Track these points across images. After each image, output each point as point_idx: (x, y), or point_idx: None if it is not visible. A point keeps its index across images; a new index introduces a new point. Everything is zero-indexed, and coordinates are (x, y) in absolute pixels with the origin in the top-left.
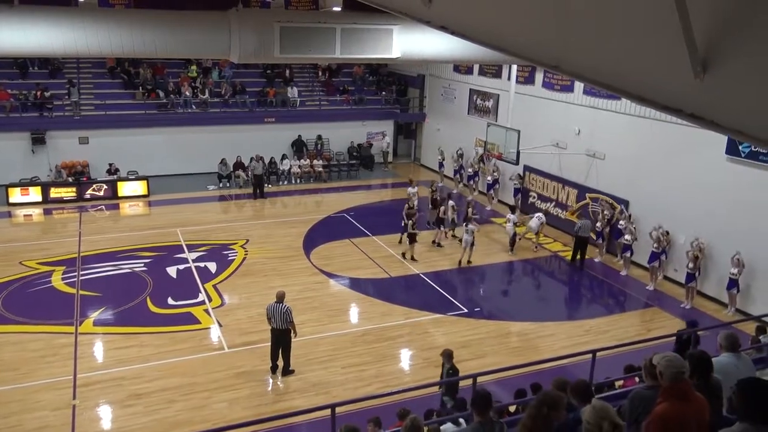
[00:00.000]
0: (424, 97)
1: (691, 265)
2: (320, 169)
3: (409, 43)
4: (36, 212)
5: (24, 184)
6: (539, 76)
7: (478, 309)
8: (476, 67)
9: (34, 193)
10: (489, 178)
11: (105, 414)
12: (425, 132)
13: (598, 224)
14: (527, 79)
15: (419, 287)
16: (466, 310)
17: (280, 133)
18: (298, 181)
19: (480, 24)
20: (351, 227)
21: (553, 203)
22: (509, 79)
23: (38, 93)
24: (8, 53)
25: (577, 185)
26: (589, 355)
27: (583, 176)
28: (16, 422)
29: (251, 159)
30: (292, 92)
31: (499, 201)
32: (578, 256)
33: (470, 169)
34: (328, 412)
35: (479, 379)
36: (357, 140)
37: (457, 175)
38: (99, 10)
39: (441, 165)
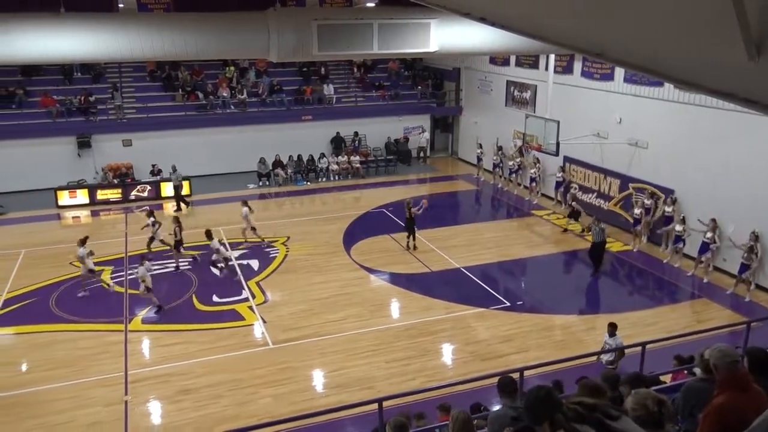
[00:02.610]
0: (460, 91)
1: (745, 255)
2: (358, 165)
3: (446, 36)
4: (84, 214)
5: (71, 186)
6: (578, 66)
7: (521, 302)
8: (513, 59)
9: (82, 196)
10: (532, 171)
11: (155, 409)
12: (462, 125)
13: (636, 211)
14: (565, 69)
15: (460, 281)
16: (508, 304)
17: (317, 130)
18: (337, 177)
19: (521, 13)
20: (390, 222)
21: (595, 194)
22: (547, 69)
23: (83, 98)
24: (55, 60)
25: (619, 175)
26: (637, 348)
27: (626, 166)
28: (70, 418)
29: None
30: (328, 89)
31: (543, 194)
32: (598, 264)
33: (511, 163)
34: (374, 406)
35: (526, 374)
36: (394, 135)
37: (497, 169)
38: (141, 15)
39: (479, 159)
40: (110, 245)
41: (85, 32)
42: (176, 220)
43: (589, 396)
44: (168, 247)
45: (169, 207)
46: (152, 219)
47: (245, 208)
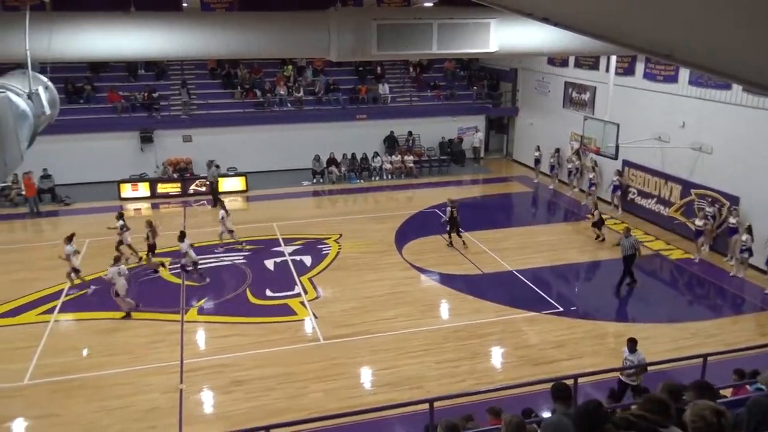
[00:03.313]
0: (516, 91)
1: None
2: (411, 164)
3: (506, 36)
4: (144, 206)
5: (134, 180)
6: (640, 67)
7: (574, 308)
8: (572, 59)
9: (143, 189)
10: (591, 175)
11: (209, 399)
12: (518, 126)
13: (698, 221)
14: (627, 70)
15: (512, 284)
16: (561, 309)
17: (371, 129)
18: (390, 176)
19: (586, 13)
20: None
21: (655, 199)
22: (608, 70)
23: (146, 94)
24: (125, 57)
25: (681, 180)
26: (698, 360)
27: (688, 171)
28: (130, 403)
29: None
30: (384, 89)
31: (598, 198)
32: (624, 277)
33: (569, 165)
34: (424, 406)
35: (580, 380)
36: (448, 136)
37: (554, 172)
38: (205, 14)
39: (537, 162)
40: (169, 237)
41: (153, 31)
42: (149, 224)
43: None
44: (231, 241)
45: (226, 202)
46: (121, 222)
47: (222, 211)
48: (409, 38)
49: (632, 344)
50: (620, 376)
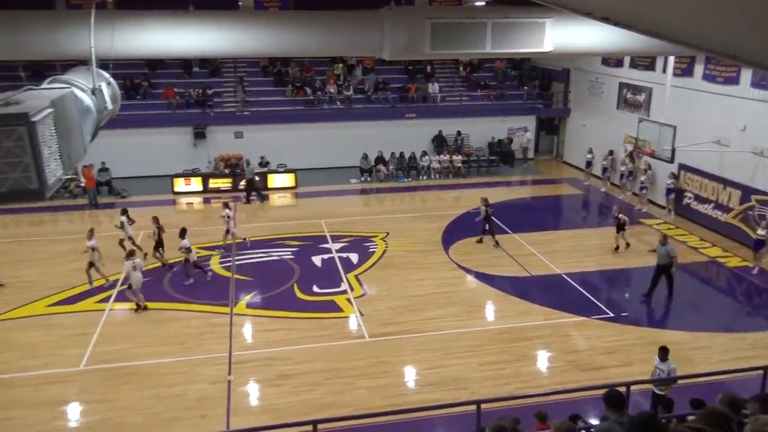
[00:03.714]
0: (568, 92)
1: None
2: (459, 164)
3: (561, 36)
4: (196, 201)
5: (186, 174)
6: (699, 68)
7: (626, 314)
8: (627, 59)
9: (195, 183)
10: (643, 178)
11: (256, 391)
12: (569, 127)
13: (761, 231)
14: (685, 71)
15: (561, 287)
16: (611, 315)
17: (420, 128)
18: (438, 176)
19: (649, 13)
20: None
21: (712, 205)
22: (665, 71)
23: (201, 91)
24: (182, 54)
25: (741, 186)
26: (757, 372)
27: (749, 176)
28: (182, 391)
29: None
30: (433, 88)
31: (650, 201)
32: (653, 287)
33: (622, 168)
34: (467, 407)
35: (632, 388)
36: (497, 136)
37: (606, 174)
38: (261, 13)
39: (589, 164)
40: (220, 231)
41: (211, 29)
42: (156, 220)
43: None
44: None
45: (275, 198)
46: (124, 218)
47: (227, 210)
48: (462, 37)
49: (663, 353)
50: (653, 387)
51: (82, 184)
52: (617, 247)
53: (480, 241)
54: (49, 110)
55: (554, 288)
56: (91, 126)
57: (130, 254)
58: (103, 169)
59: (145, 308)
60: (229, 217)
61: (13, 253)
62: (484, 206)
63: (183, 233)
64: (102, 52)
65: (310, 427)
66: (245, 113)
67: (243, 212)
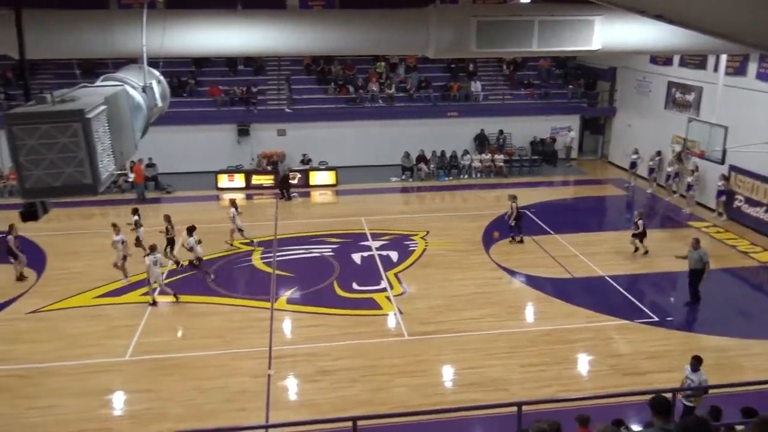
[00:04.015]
0: (614, 91)
1: None
2: (501, 164)
3: (610, 33)
4: (239, 197)
5: (230, 171)
6: (752, 67)
7: (670, 318)
8: (676, 58)
9: (239, 180)
10: (689, 179)
11: (296, 386)
12: (614, 127)
13: None
14: (738, 70)
15: (604, 290)
16: (656, 319)
17: (462, 127)
18: (479, 175)
19: (704, 11)
20: (532, 224)
21: (765, 208)
22: (716, 70)
23: (245, 89)
24: (230, 53)
25: None
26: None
27: None
28: (222, 384)
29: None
30: (476, 86)
31: (698, 203)
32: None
33: (669, 169)
34: (507, 409)
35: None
36: (540, 135)
37: (653, 175)
38: (307, 12)
39: (633, 165)
40: (261, 227)
41: (258, 28)
42: (167, 218)
43: None
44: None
45: (316, 195)
46: (136, 217)
47: (233, 209)
48: (508, 35)
49: (696, 362)
50: (681, 398)
51: (131, 179)
52: (636, 249)
53: (521, 241)
54: (103, 107)
55: (597, 290)
56: (141, 123)
57: (152, 249)
58: (150, 165)
59: (177, 299)
60: (235, 215)
61: (62, 245)
62: (513, 204)
63: (191, 231)
64: (153, 50)
65: (348, 424)
66: (289, 111)
67: (281, 209)
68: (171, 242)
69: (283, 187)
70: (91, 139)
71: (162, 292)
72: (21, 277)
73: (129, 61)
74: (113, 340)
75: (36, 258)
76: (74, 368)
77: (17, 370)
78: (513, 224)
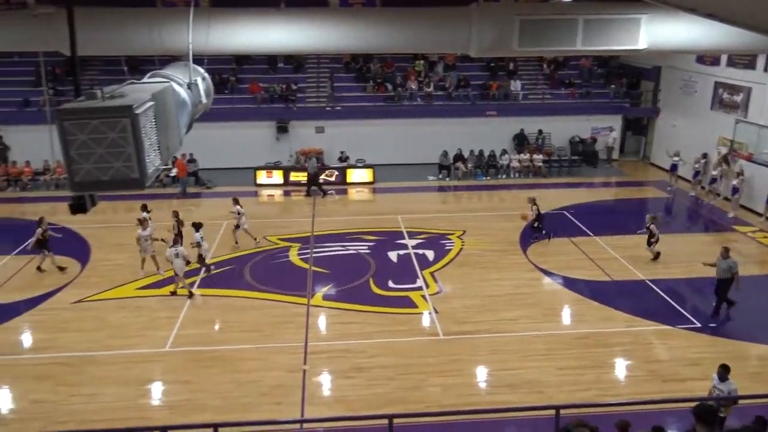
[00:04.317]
0: (658, 91)
1: None
2: (540, 164)
3: (657, 33)
4: (277, 193)
5: (269, 167)
6: None
7: (713, 325)
8: (724, 58)
9: (277, 176)
10: (735, 182)
11: (331, 382)
12: (657, 128)
13: None
14: None
15: (644, 294)
16: (698, 325)
17: (500, 126)
18: (517, 175)
19: (759, 9)
20: (571, 225)
21: None
22: (766, 70)
23: (285, 86)
24: (272, 51)
25: None
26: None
27: None
28: (259, 377)
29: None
30: (515, 85)
31: (742, 206)
32: (719, 304)
33: (714, 172)
34: (544, 412)
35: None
36: (580, 135)
37: (697, 178)
38: (349, 10)
39: (674, 167)
40: (299, 224)
41: (301, 26)
42: (175, 214)
43: None
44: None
45: (353, 192)
46: (145, 214)
47: (237, 207)
48: (552, 34)
49: (724, 371)
50: None
51: (173, 174)
52: (657, 255)
53: (549, 238)
54: (151, 103)
55: (637, 294)
56: (186, 119)
57: (174, 242)
58: (191, 160)
59: (191, 296)
60: (239, 213)
61: (106, 237)
62: (533, 206)
63: (198, 227)
64: (198, 48)
65: (383, 421)
66: (328, 108)
67: (305, 205)
68: (178, 238)
69: (311, 185)
70: (138, 134)
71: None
72: (41, 269)
73: (173, 58)
74: (154, 331)
75: (81, 249)
76: (116, 358)
77: (61, 358)
78: (535, 226)
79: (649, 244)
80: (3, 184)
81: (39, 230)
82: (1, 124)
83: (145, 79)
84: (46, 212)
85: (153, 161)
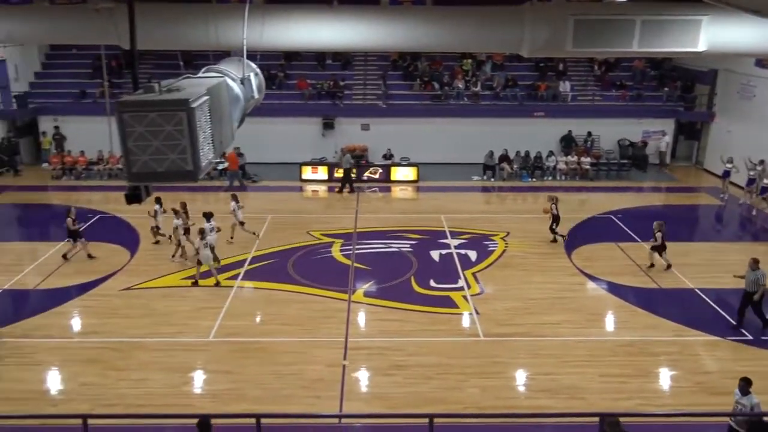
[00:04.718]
0: (714, 94)
1: None
2: (587, 166)
3: (718, 34)
4: (322, 189)
5: (314, 163)
6: None
7: (766, 338)
8: None
9: (322, 172)
10: None
11: (370, 378)
12: (712, 133)
13: None
14: None
15: (693, 303)
16: (750, 337)
17: (548, 127)
18: (563, 177)
19: None
20: (618, 230)
21: None
22: None
23: (332, 83)
24: (322, 48)
25: None
26: None
27: None
28: (299, 371)
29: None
30: (565, 86)
31: None
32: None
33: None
34: (585, 419)
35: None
36: (630, 138)
37: (752, 185)
38: (400, 8)
39: (727, 173)
40: (342, 220)
41: (352, 23)
42: (183, 206)
43: None
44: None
45: (397, 190)
46: (158, 206)
47: (234, 203)
48: (607, 35)
49: (745, 384)
50: (730, 422)
51: (222, 167)
52: (652, 265)
53: (564, 237)
54: (206, 98)
55: (685, 303)
56: (239, 113)
57: (201, 232)
58: (239, 154)
59: (218, 283)
60: (235, 209)
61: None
62: (553, 205)
63: (208, 217)
64: (251, 44)
65: (422, 420)
66: (384, 106)
67: (349, 202)
68: (186, 230)
69: (345, 181)
70: (194, 127)
71: (208, 275)
72: (67, 256)
73: (224, 53)
74: (198, 320)
75: (130, 239)
76: (162, 345)
77: (110, 343)
78: (553, 228)
79: (654, 249)
80: (58, 172)
81: (69, 220)
82: (59, 114)
83: (200, 74)
84: (99, 201)
85: (206, 154)
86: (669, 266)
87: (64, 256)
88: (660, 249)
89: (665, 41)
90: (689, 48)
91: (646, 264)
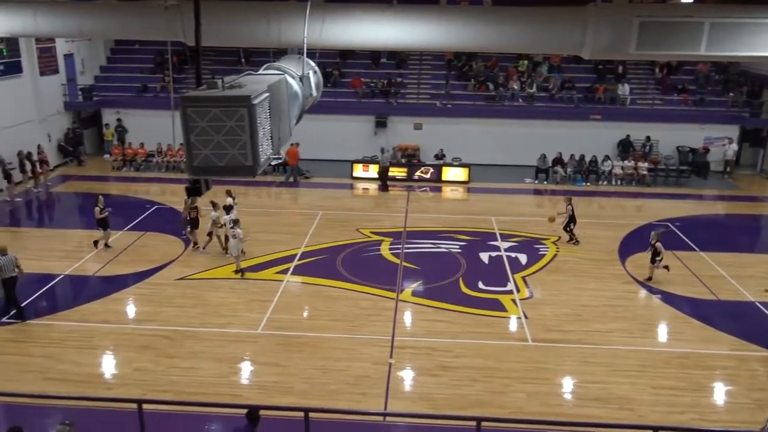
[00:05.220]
0: None
1: None
2: (645, 172)
3: None
4: (372, 187)
5: (365, 161)
6: None
7: None
8: None
9: (372, 170)
10: None
11: (415, 378)
12: None
13: None
14: None
15: (753, 317)
16: None
17: (604, 131)
18: (619, 182)
19: None
20: (675, 239)
21: None
22: None
23: (386, 82)
24: (380, 46)
25: None
26: None
27: None
28: (345, 367)
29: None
30: (623, 89)
31: None
32: None
33: None
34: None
35: None
36: (691, 144)
37: None
38: (460, 8)
39: None
40: (391, 219)
41: (411, 23)
42: (193, 200)
43: None
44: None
45: (448, 191)
46: (230, 199)
47: (229, 199)
48: (673, 38)
49: None
50: None
51: (281, 161)
52: (649, 278)
53: (576, 242)
54: (266, 95)
55: (745, 317)
56: (297, 110)
57: (234, 223)
58: None
59: (242, 276)
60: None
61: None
62: (568, 206)
63: (228, 209)
64: (311, 42)
65: (469, 423)
66: (449, 106)
67: (399, 200)
68: (195, 223)
69: (383, 179)
70: (254, 124)
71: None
72: (98, 244)
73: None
74: (248, 313)
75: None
76: (213, 335)
77: (164, 330)
78: (569, 229)
79: (653, 261)
80: (119, 163)
81: (96, 209)
82: (121, 107)
83: (261, 71)
84: (156, 192)
85: (265, 150)
86: (666, 267)
87: (95, 243)
88: (657, 259)
89: (736, 45)
90: (762, 52)
91: (666, 271)
